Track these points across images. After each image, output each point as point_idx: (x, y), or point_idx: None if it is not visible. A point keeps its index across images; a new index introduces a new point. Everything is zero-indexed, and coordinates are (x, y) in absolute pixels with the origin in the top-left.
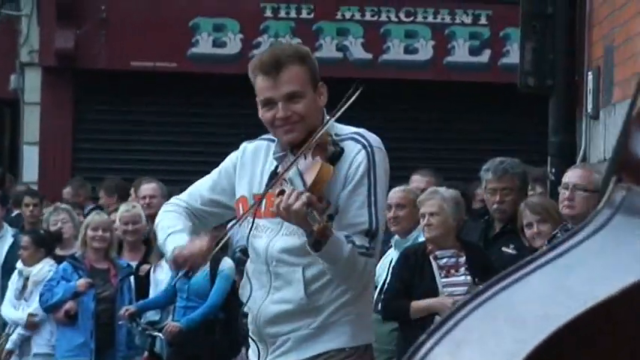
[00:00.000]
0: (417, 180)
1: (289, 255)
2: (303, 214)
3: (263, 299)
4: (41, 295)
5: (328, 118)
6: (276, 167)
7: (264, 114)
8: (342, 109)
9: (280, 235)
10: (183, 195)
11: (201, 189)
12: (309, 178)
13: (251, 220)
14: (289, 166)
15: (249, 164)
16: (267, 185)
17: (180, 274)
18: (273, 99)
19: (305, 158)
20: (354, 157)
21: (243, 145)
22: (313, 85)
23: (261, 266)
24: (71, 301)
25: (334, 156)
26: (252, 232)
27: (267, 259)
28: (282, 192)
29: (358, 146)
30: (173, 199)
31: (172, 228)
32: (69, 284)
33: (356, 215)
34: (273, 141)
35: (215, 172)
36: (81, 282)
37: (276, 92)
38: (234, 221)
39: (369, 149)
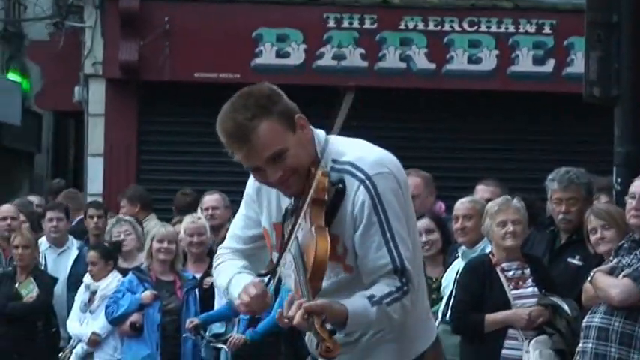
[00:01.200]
0: (482, 190)
1: (321, 296)
2: (305, 326)
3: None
4: (107, 307)
5: (317, 170)
6: (294, 207)
7: (255, 179)
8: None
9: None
10: (225, 242)
11: (236, 230)
12: (309, 260)
13: (277, 255)
14: (293, 227)
15: (265, 192)
16: (282, 222)
17: (245, 324)
18: (257, 166)
19: (305, 219)
20: (355, 196)
21: None
22: (291, 128)
23: None
24: (137, 313)
25: (337, 197)
26: (282, 271)
27: None
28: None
29: (356, 183)
30: (219, 250)
31: (230, 274)
32: (134, 296)
33: (376, 258)
34: None
35: (242, 207)
36: (146, 294)
37: (258, 161)
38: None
39: (368, 182)
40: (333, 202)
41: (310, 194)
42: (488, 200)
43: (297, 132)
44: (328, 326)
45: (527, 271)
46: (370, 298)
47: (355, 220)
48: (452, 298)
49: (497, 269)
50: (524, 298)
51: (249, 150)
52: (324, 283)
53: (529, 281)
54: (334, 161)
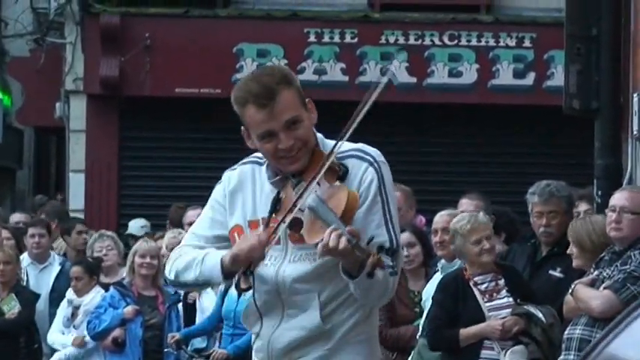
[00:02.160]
0: (466, 203)
1: (303, 283)
2: (350, 252)
3: (274, 327)
4: (89, 323)
5: (338, 140)
6: (278, 193)
7: (263, 145)
8: (351, 130)
9: (288, 263)
10: (184, 242)
11: (200, 231)
12: (338, 208)
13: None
14: (302, 193)
15: (238, 191)
16: (271, 211)
17: (239, 273)
18: (273, 130)
19: (319, 184)
20: (363, 175)
21: (226, 174)
22: (304, 105)
23: (270, 295)
24: (119, 328)
25: (341, 177)
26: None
27: (279, 288)
28: (298, 221)
29: (364, 164)
30: (176, 249)
31: (200, 254)
32: (116, 311)
33: (375, 235)
34: (259, 164)
35: (207, 210)
36: (128, 309)
37: (276, 123)
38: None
39: (376, 165)
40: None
41: (326, 164)
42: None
43: (308, 112)
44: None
45: (502, 281)
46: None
47: (360, 196)
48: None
49: (471, 284)
50: (500, 309)
51: (271, 109)
52: (310, 266)
53: (503, 292)
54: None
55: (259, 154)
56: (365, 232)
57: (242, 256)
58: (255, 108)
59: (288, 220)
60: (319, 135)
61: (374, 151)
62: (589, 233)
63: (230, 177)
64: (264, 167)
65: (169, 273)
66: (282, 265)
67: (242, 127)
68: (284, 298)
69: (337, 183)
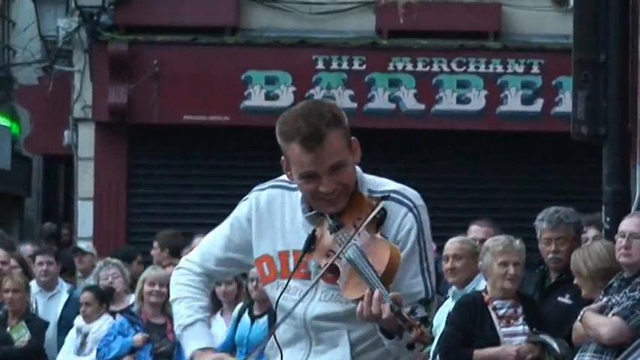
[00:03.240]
0: (476, 230)
1: (331, 321)
2: (392, 320)
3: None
4: (98, 351)
5: (380, 202)
6: (314, 231)
7: (303, 185)
8: (367, 221)
9: (317, 301)
10: (195, 256)
11: (213, 249)
12: (380, 265)
13: (284, 283)
14: (347, 244)
15: (267, 217)
16: (304, 249)
17: None
18: (316, 173)
19: (359, 234)
20: (402, 222)
21: (255, 194)
22: (349, 146)
23: (297, 330)
24: (128, 356)
25: (379, 221)
26: (282, 295)
27: (306, 325)
28: (334, 268)
29: (403, 209)
30: (184, 263)
31: (190, 316)
32: (126, 339)
33: (412, 285)
34: (290, 189)
35: (226, 228)
36: (138, 337)
37: (320, 167)
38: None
39: (416, 211)
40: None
41: (377, 208)
42: (482, 240)
43: (352, 153)
44: (419, 313)
45: (520, 309)
46: (414, 308)
47: (397, 244)
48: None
49: (489, 307)
50: (515, 335)
51: (318, 153)
52: (341, 308)
53: (520, 319)
54: (370, 191)
55: (287, 178)
56: (401, 281)
57: None
58: (300, 148)
59: (323, 263)
60: (358, 170)
61: (413, 195)
62: (584, 260)
63: (259, 198)
64: (295, 195)
65: (170, 294)
66: (312, 303)
67: (282, 158)
68: (312, 335)
69: (379, 235)
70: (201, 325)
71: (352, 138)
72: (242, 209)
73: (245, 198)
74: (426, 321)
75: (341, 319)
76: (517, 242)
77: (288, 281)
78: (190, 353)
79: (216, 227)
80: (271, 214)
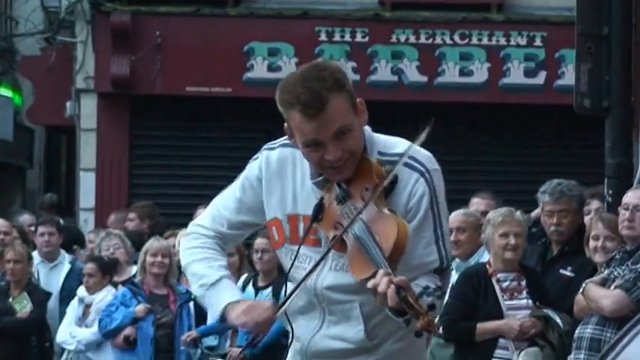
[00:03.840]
0: (477, 203)
1: (342, 293)
2: (397, 304)
3: (315, 331)
4: (100, 321)
5: (394, 169)
6: (322, 199)
7: (308, 153)
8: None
9: (329, 270)
10: (205, 220)
11: (224, 212)
12: (386, 244)
13: (294, 249)
14: (353, 219)
15: (277, 178)
16: (312, 219)
17: (245, 345)
18: (320, 141)
19: (363, 204)
20: (414, 187)
21: (265, 153)
22: (354, 109)
23: (309, 298)
24: (130, 327)
25: (389, 188)
26: (294, 264)
27: (317, 296)
28: (344, 242)
29: (415, 174)
30: (194, 228)
31: (213, 274)
32: (128, 310)
33: (425, 254)
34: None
35: (237, 189)
36: (140, 307)
37: (323, 134)
38: (299, 273)
39: (428, 176)
40: (385, 193)
41: (385, 181)
42: (483, 213)
43: (358, 116)
44: (428, 300)
45: (524, 282)
46: (426, 289)
47: (409, 212)
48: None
49: (493, 279)
50: (518, 309)
51: (320, 120)
52: (352, 279)
53: (524, 293)
54: (380, 153)
55: None
56: (414, 250)
57: (249, 325)
58: (301, 116)
59: (331, 236)
60: (367, 130)
61: (426, 158)
62: None
63: (269, 158)
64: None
65: (182, 259)
66: (323, 272)
67: (285, 125)
68: (324, 306)
69: (386, 210)
70: (227, 281)
71: (358, 100)
72: (252, 169)
73: (255, 157)
74: (434, 308)
75: (352, 291)
76: (518, 213)
77: (298, 250)
78: (222, 308)
79: (226, 189)
80: (282, 174)
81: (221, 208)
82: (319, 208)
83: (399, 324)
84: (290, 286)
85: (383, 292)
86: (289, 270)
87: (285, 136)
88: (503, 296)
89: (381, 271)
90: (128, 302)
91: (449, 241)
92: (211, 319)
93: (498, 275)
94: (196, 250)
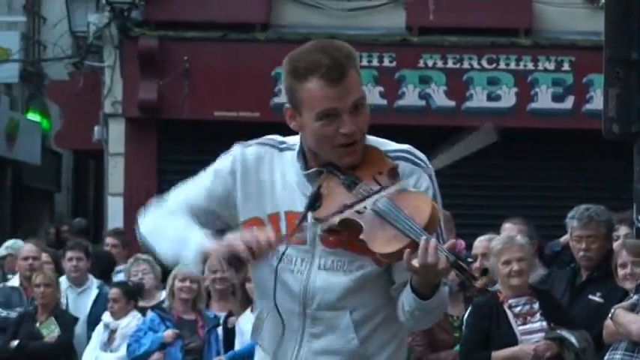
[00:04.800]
0: (509, 228)
1: (335, 297)
2: (447, 272)
3: (295, 349)
4: (129, 346)
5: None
6: (319, 187)
7: (321, 128)
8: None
9: (317, 270)
10: (172, 202)
11: (193, 198)
12: (421, 215)
13: (281, 249)
14: (373, 194)
15: (254, 175)
16: (308, 207)
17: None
18: (338, 110)
19: (380, 186)
20: (417, 182)
21: (238, 148)
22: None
23: (290, 306)
24: (158, 352)
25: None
26: (279, 264)
27: (305, 301)
28: (339, 233)
29: (417, 169)
30: (155, 205)
31: (186, 227)
32: (156, 335)
33: None
34: (279, 149)
35: (207, 177)
36: (168, 333)
37: (343, 102)
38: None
39: (430, 171)
40: None
41: (400, 166)
42: None
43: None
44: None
45: (536, 305)
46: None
47: None
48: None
49: (505, 306)
50: (533, 333)
51: (341, 87)
52: (345, 278)
53: (537, 315)
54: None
55: (275, 137)
56: None
57: (248, 239)
58: (322, 82)
59: (337, 219)
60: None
61: (424, 156)
62: None
63: (244, 153)
64: (286, 155)
65: (142, 229)
66: (311, 271)
67: (286, 105)
68: (308, 313)
69: (410, 188)
70: (204, 231)
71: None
72: (224, 162)
73: (227, 152)
74: (486, 272)
75: (345, 294)
76: (518, 237)
77: (286, 249)
78: (197, 246)
79: (189, 181)
80: (259, 172)
81: (188, 194)
82: (317, 197)
83: (390, 337)
84: (279, 286)
85: (434, 257)
86: (275, 272)
87: (262, 138)
88: (516, 321)
89: (424, 238)
90: (156, 327)
91: (445, 238)
92: (239, 344)
93: (510, 301)
94: (159, 217)
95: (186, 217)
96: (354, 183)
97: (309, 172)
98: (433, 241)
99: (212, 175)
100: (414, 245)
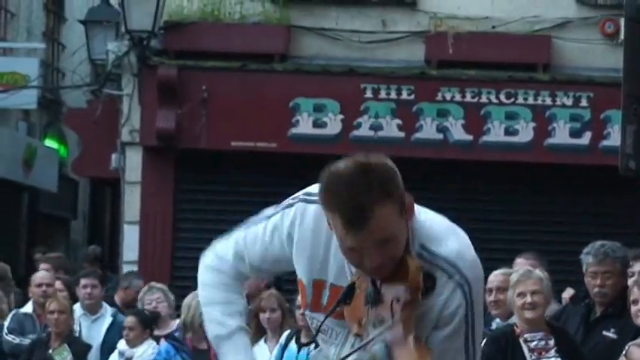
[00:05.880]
0: (521, 263)
1: None
2: None
3: None
4: None
5: (423, 298)
6: (353, 284)
7: (346, 255)
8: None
9: (349, 346)
10: (228, 254)
11: (248, 253)
12: None
13: (319, 318)
14: (372, 340)
15: (310, 238)
16: (340, 300)
17: None
18: (361, 249)
19: (392, 318)
20: (449, 299)
21: (302, 206)
22: (402, 213)
23: None
24: None
25: (424, 294)
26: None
27: None
28: (358, 336)
29: (451, 284)
30: (216, 261)
31: (228, 325)
32: None
33: None
34: None
35: (266, 234)
36: None
37: (364, 243)
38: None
39: (466, 287)
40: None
41: (417, 309)
42: None
43: (407, 217)
44: None
45: (552, 341)
46: None
47: (439, 320)
48: None
49: (521, 340)
50: None
51: (362, 234)
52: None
53: (552, 352)
54: (422, 247)
55: None
56: (441, 357)
57: None
58: (342, 227)
59: (355, 331)
60: (415, 214)
61: (469, 264)
62: None
63: (305, 212)
64: None
65: (201, 294)
66: (344, 348)
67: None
68: None
69: (411, 338)
70: (241, 336)
71: (407, 200)
72: (285, 220)
73: (289, 204)
74: None
75: None
76: (537, 271)
77: (324, 321)
78: None
79: (253, 224)
80: (315, 234)
81: (245, 248)
82: (350, 292)
83: None
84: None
85: None
86: (315, 337)
87: None
88: (531, 356)
89: None
90: (172, 358)
91: (479, 349)
92: None
93: (525, 335)
94: (217, 289)
95: (236, 298)
96: (373, 302)
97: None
98: None
99: (271, 233)
100: None
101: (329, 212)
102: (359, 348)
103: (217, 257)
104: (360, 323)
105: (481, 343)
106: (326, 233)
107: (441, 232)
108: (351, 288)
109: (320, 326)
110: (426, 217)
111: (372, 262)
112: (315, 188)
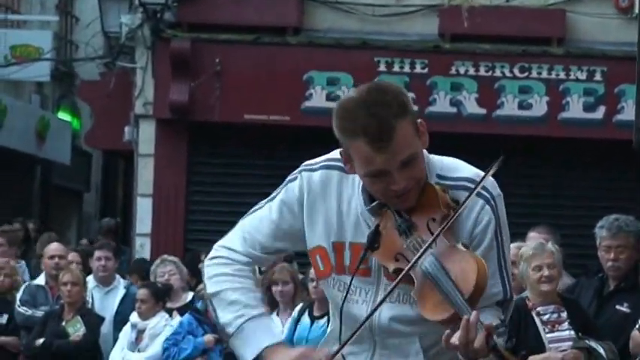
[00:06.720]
0: (534, 237)
1: (402, 325)
2: (484, 353)
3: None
4: (165, 349)
5: (466, 202)
6: (378, 226)
7: (371, 184)
8: (480, 184)
9: (386, 302)
10: (236, 243)
11: (258, 236)
12: (466, 285)
13: (345, 280)
14: (422, 252)
15: (320, 202)
16: (367, 246)
17: None
18: (387, 171)
19: (432, 236)
20: (479, 216)
21: (305, 174)
22: (417, 132)
23: (359, 332)
24: (199, 358)
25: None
26: (345, 297)
27: (372, 329)
28: (398, 271)
29: (480, 201)
30: (224, 251)
31: (253, 307)
32: (197, 340)
33: (490, 286)
34: (346, 172)
35: (273, 212)
36: (209, 338)
37: (391, 163)
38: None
39: (493, 202)
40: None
41: (455, 213)
42: None
43: (421, 138)
44: (499, 341)
45: (564, 314)
46: (496, 328)
47: (473, 240)
48: None
49: (533, 313)
50: (560, 341)
51: (389, 151)
52: (411, 312)
53: (565, 324)
54: (440, 177)
55: (340, 157)
56: None
57: None
58: (369, 148)
59: (392, 267)
60: (424, 153)
61: (490, 183)
62: None
63: (311, 179)
64: (353, 179)
65: (210, 286)
66: (376, 303)
67: (340, 151)
68: (377, 340)
69: (460, 246)
70: (267, 319)
71: (419, 121)
72: (291, 191)
73: (292, 177)
74: (524, 357)
75: (413, 323)
76: (549, 244)
77: (351, 281)
78: (258, 351)
79: (257, 209)
80: (325, 198)
81: (253, 231)
82: (375, 236)
83: (454, 357)
84: (345, 319)
85: (473, 335)
86: (342, 304)
87: (325, 156)
88: (544, 329)
89: (465, 317)
90: (195, 331)
91: (510, 271)
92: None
93: (538, 308)
94: (230, 277)
95: (251, 285)
96: (407, 230)
97: (369, 207)
98: (474, 318)
99: (278, 209)
100: (457, 317)
101: (351, 140)
102: (402, 272)
103: (223, 248)
104: (396, 258)
105: (511, 269)
106: (336, 196)
107: (454, 162)
108: (375, 233)
109: (350, 285)
110: (434, 155)
111: (400, 184)
112: (312, 160)
